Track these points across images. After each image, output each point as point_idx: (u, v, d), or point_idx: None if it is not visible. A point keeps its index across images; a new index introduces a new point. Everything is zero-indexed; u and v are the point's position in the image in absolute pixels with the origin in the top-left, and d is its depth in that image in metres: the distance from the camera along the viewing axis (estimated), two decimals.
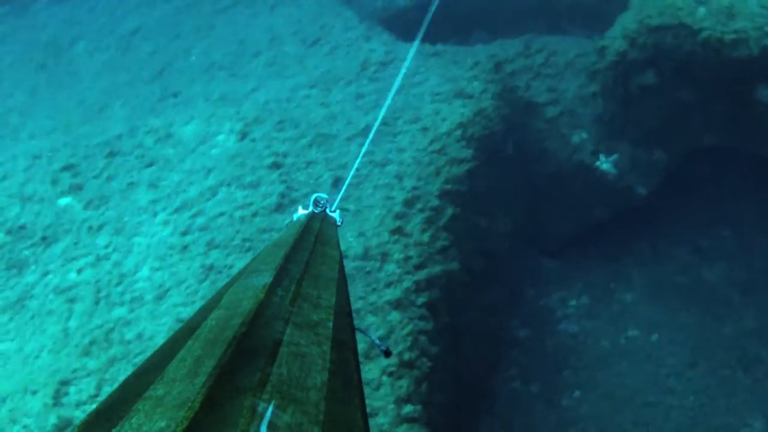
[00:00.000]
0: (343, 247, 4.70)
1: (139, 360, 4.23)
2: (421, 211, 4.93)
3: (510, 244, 5.73)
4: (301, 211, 2.43)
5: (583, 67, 6.10)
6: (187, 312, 4.48)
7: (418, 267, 4.56)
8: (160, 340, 4.31)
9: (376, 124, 3.76)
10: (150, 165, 5.90)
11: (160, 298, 4.69)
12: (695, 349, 5.17)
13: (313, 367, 1.13)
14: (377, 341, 2.06)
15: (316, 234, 2.05)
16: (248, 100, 6.34)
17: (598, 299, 5.69)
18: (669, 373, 5.00)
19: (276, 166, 5.46)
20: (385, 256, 4.58)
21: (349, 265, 4.52)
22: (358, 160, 3.59)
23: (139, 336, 4.44)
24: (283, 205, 5.11)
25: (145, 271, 4.95)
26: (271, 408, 0.92)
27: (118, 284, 4.91)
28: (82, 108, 7.20)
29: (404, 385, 3.88)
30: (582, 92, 6.02)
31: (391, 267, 4.51)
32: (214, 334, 1.18)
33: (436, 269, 4.62)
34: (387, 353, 2.13)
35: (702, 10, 5.30)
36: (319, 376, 1.10)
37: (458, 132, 5.47)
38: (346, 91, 6.21)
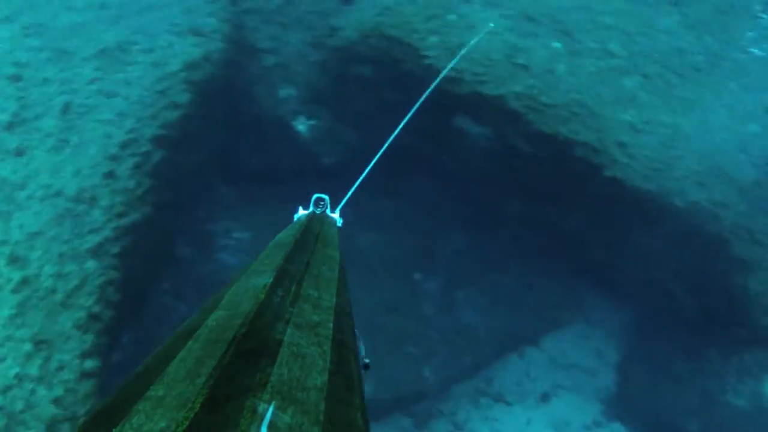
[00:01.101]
0: (57, 183, 5.73)
1: None
2: (133, 155, 5.96)
3: (199, 173, 6.63)
4: (302, 212, 2.47)
5: (313, 26, 6.91)
6: None
7: (120, 215, 5.67)
8: None
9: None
10: None
11: None
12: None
13: (314, 367, 1.14)
14: (362, 352, 2.14)
15: (316, 234, 2.09)
16: None
17: (258, 237, 6.50)
18: None
19: (16, 78, 6.14)
20: (93, 201, 5.59)
21: (61, 204, 5.54)
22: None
23: None
24: (13, 125, 5.87)
25: None
26: (271, 408, 0.94)
27: None
28: None
29: (89, 339, 4.87)
30: (303, 51, 6.94)
31: (96, 213, 5.54)
32: (214, 334, 1.20)
33: (135, 216, 5.72)
34: (365, 366, 2.10)
35: (433, 39, 6.12)
36: (319, 376, 1.12)
37: (184, 74, 6.40)
38: None
